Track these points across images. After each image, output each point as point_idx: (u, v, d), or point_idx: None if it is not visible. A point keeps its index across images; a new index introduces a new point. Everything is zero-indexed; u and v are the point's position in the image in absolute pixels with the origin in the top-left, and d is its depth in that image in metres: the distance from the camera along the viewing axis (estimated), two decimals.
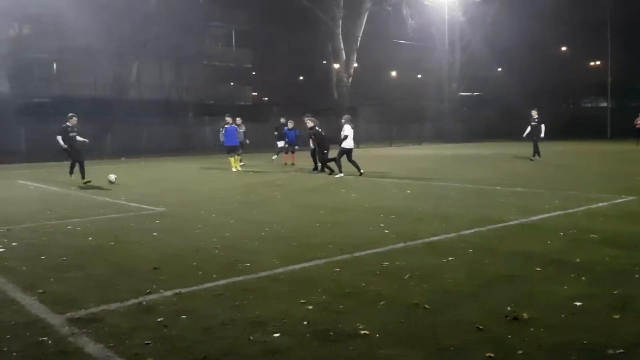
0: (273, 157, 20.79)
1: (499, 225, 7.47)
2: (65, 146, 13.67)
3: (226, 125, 17.38)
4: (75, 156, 13.96)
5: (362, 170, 14.53)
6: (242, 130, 18.81)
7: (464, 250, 6.02)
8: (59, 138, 13.68)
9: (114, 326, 3.87)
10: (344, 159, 14.86)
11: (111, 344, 3.56)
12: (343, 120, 15.17)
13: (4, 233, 7.35)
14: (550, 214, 8.23)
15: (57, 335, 3.73)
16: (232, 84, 41.87)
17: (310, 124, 15.12)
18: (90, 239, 6.95)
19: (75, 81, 32.10)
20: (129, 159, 25.84)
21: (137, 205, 9.90)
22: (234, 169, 17.03)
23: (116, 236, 7.05)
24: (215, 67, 40.33)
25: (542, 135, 19.77)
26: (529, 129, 19.91)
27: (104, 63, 31.65)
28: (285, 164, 19.43)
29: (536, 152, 19.61)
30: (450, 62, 43.83)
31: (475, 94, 49.14)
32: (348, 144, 14.64)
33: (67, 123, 13.99)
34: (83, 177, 13.58)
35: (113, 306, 4.30)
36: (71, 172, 14.26)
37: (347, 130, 14.67)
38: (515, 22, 38.46)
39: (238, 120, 18.75)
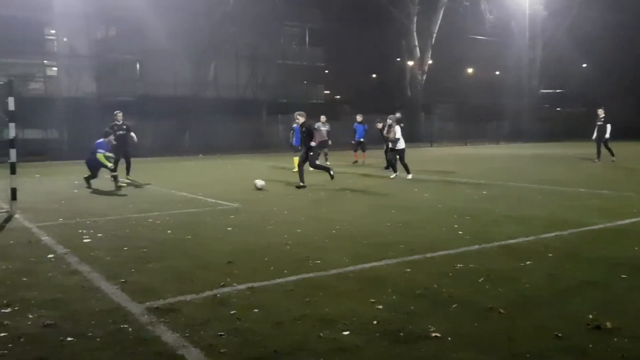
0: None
1: (581, 229, 7.10)
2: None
3: (294, 125, 17.60)
4: (121, 153, 13.82)
5: (410, 174, 13.83)
6: (326, 129, 18.62)
7: (543, 254, 5.77)
8: (111, 138, 13.41)
9: (190, 317, 4.01)
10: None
11: (187, 334, 3.68)
12: (389, 121, 14.29)
13: (90, 225, 7.79)
14: (638, 219, 7.73)
15: (137, 323, 3.91)
16: (304, 82, 42.29)
17: (301, 119, 13.29)
18: (169, 232, 7.23)
19: (156, 81, 33.47)
20: (205, 155, 26.70)
21: (213, 200, 10.20)
22: (294, 170, 16.94)
23: (193, 230, 7.30)
24: (289, 66, 40.87)
25: (607, 135, 18.65)
26: (596, 129, 18.81)
27: (183, 63, 32.84)
28: (356, 161, 19.36)
29: (599, 153, 18.65)
30: (531, 58, 42.19)
31: (557, 91, 46.98)
32: (401, 145, 14.08)
33: (115, 121, 13.95)
34: (128, 173, 13.94)
35: (189, 297, 4.45)
36: (128, 171, 14.22)
37: (398, 132, 14.03)
38: (601, 14, 36.44)
39: (322, 118, 18.71)
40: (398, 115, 14.84)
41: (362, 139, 19.53)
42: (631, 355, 3.30)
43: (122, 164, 13.73)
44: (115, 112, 14.23)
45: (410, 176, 13.77)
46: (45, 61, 33.46)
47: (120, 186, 12.23)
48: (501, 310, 4.07)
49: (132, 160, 14.48)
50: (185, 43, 31.15)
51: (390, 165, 14.45)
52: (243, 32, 34.21)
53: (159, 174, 15.03)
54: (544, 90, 44.38)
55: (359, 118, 19.70)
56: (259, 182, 11.86)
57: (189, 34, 30.72)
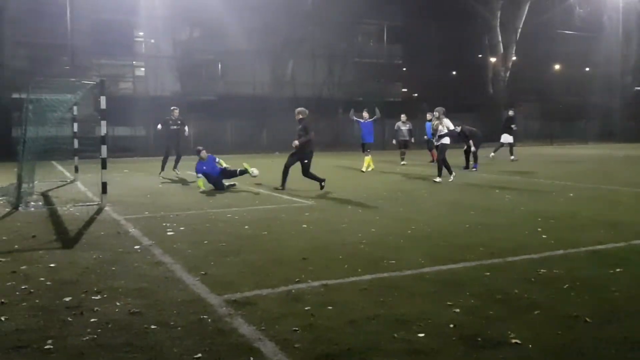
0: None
1: None
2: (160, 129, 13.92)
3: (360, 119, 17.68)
4: (169, 148, 14.12)
5: (453, 174, 12.97)
6: (407, 128, 18.58)
7: (635, 261, 5.41)
8: (159, 127, 14.30)
9: (266, 311, 4.08)
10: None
11: (263, 327, 3.75)
12: (436, 114, 13.20)
13: (173, 218, 8.12)
14: None
15: (216, 314, 4.03)
16: (381, 80, 42.00)
17: (299, 116, 12.13)
18: (246, 227, 7.41)
19: (236, 80, 34.43)
20: (282, 153, 27.12)
21: (288, 197, 10.35)
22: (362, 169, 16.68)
23: (269, 226, 7.43)
24: (366, 64, 40.73)
25: None
26: None
27: (262, 62, 33.54)
28: (432, 161, 18.96)
29: None
30: (624, 54, 39.64)
31: None
32: (447, 140, 12.89)
33: (171, 116, 14.24)
34: (162, 169, 14.04)
35: (265, 292, 4.54)
36: (175, 166, 14.24)
37: (451, 125, 12.96)
38: None
39: (403, 117, 18.76)
40: (443, 108, 13.50)
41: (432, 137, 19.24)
42: None
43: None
44: (172, 108, 14.67)
45: (439, 179, 12.66)
46: (134, 62, 35.31)
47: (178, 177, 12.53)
48: (587, 319, 3.85)
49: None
50: (264, 43, 31.81)
51: (444, 166, 13.03)
52: (320, 31, 34.45)
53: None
54: (638, 88, 41.57)
55: (429, 116, 19.39)
56: (255, 171, 11.81)
57: (267, 33, 31.34)
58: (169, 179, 13.67)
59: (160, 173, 13.98)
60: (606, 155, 23.01)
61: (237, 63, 34.25)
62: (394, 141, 20.59)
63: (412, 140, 18.77)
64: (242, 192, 11.31)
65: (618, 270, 5.08)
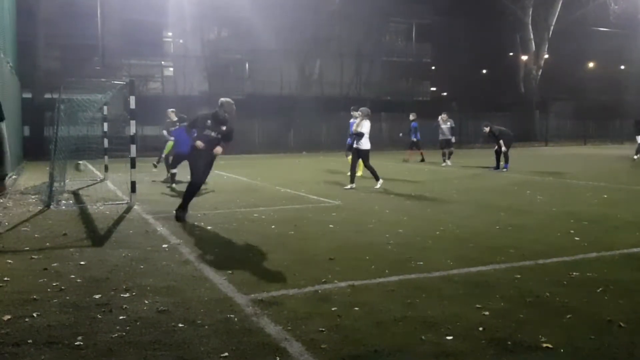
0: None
1: None
2: (172, 139, 12.80)
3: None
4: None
5: (380, 183, 11.49)
6: (447, 127, 18.23)
7: None
8: (164, 132, 13.36)
9: (292, 310, 4.07)
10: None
11: (289, 327, 3.74)
12: (359, 113, 11.82)
13: (201, 217, 8.18)
14: None
15: (242, 313, 4.03)
16: (410, 79, 41.70)
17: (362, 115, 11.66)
18: (273, 227, 7.42)
19: (263, 80, 34.61)
20: (309, 153, 27.16)
21: (315, 197, 10.33)
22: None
23: (296, 226, 7.43)
24: (394, 62, 40.50)
25: None
26: None
27: (289, 62, 33.62)
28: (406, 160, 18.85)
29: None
30: None
31: None
32: (365, 144, 11.50)
33: (172, 118, 13.49)
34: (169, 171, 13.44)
35: (291, 291, 4.52)
36: (174, 166, 13.08)
37: (367, 126, 11.50)
38: None
39: (444, 115, 18.44)
40: (367, 109, 11.92)
41: (416, 139, 19.54)
42: None
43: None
44: (170, 110, 13.88)
45: (379, 184, 11.46)
46: (162, 62, 35.77)
47: (172, 187, 11.79)
48: (621, 324, 3.74)
49: (239, 156, 14.92)
50: (291, 42, 31.86)
51: (371, 171, 11.71)
52: (348, 30, 34.37)
53: (264, 171, 15.47)
54: None
55: (412, 117, 19.68)
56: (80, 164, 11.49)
57: (295, 33, 31.39)
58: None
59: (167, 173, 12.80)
60: None
61: (264, 62, 34.41)
62: (400, 134, 20.77)
63: (454, 139, 18.42)
64: (268, 191, 11.34)
65: None
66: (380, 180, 11.58)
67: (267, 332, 3.68)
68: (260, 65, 35.44)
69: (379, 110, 34.97)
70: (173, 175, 12.11)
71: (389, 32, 42.03)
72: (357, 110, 12.27)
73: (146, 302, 4.29)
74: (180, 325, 3.80)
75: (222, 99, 8.17)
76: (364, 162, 11.74)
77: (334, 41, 34.35)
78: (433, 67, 46.20)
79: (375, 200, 9.80)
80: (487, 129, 15.95)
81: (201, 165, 7.93)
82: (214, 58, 34.27)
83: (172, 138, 12.53)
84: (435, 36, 42.62)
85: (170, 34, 36.12)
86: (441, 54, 43.66)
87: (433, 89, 45.77)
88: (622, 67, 44.80)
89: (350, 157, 12.41)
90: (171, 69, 36.69)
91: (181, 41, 35.55)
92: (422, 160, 19.55)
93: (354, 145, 11.69)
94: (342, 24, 33.91)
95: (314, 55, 34.15)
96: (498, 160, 16.00)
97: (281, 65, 33.34)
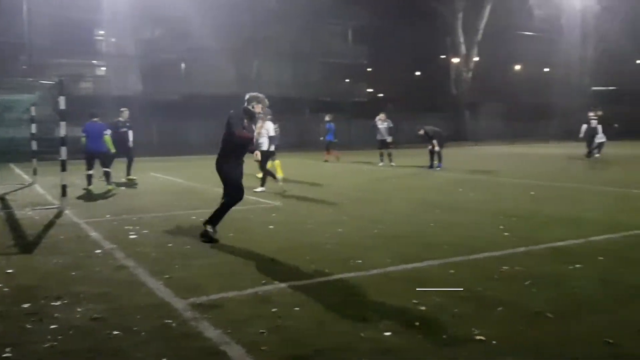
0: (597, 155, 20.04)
1: (634, 232, 6.82)
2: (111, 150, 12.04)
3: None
4: (126, 152, 13.37)
5: (261, 189, 11.10)
6: (386, 126, 18.19)
7: (594, 257, 5.56)
8: (108, 132, 12.11)
9: (232, 313, 4.04)
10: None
11: (229, 331, 3.71)
12: (261, 115, 10.77)
13: (136, 221, 7.97)
14: None
15: (181, 318, 3.96)
16: (347, 80, 42.21)
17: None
18: None
19: (200, 80, 34.07)
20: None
21: (255, 198, 10.28)
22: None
23: (236, 227, 7.36)
24: (332, 64, 40.87)
25: (599, 134, 19.96)
26: (584, 127, 20.16)
27: (227, 62, 33.26)
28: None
29: (590, 151, 19.77)
30: (582, 55, 40.86)
31: (610, 88, 45.32)
32: (265, 145, 11.13)
33: (119, 118, 13.40)
34: (128, 174, 13.49)
35: (231, 294, 4.49)
36: (128, 172, 13.60)
37: (270, 128, 11.28)
38: None
39: (382, 115, 18.47)
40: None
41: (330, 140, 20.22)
42: None
43: (119, 163, 13.26)
44: (121, 109, 13.81)
45: (260, 189, 11.06)
46: (94, 61, 34.54)
47: (110, 188, 11.50)
48: (549, 315, 3.94)
49: (178, 158, 14.65)
50: (229, 42, 31.54)
51: (269, 173, 11.32)
52: (286, 30, 34.39)
53: (202, 172, 15.19)
54: (595, 88, 42.89)
55: (327, 118, 20.35)
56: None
57: (232, 32, 31.10)
58: (123, 183, 13.38)
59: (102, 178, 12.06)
60: (566, 154, 23.62)
61: (200, 62, 33.90)
62: (321, 138, 21.22)
63: (389, 139, 18.32)
64: (207, 193, 11.18)
65: (578, 266, 5.22)
66: (264, 188, 10.99)
67: (207, 336, 3.64)
68: (197, 65, 34.88)
69: (318, 110, 35.22)
70: (107, 174, 11.69)
71: (326, 33, 42.36)
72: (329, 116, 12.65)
73: (79, 310, 4.14)
74: (115, 332, 3.70)
75: (253, 93, 7.34)
76: (261, 162, 10.57)
77: (272, 41, 34.28)
78: (369, 69, 46.96)
79: (315, 201, 9.86)
80: (421, 132, 16.37)
81: (240, 175, 6.90)
82: (148, 57, 33.43)
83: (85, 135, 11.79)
84: (372, 38, 43.36)
85: (102, 32, 34.89)
86: (377, 55, 44.48)
87: (370, 90, 46.51)
88: (547, 69, 47.15)
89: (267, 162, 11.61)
90: (103, 68, 35.49)
91: (114, 40, 34.42)
92: (326, 161, 20.10)
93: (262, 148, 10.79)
94: (279, 24, 33.88)
95: (251, 55, 33.97)
96: (432, 160, 16.47)
97: (218, 65, 32.92)
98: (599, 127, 19.95)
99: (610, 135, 21.88)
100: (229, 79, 33.78)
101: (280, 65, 36.19)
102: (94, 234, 7.02)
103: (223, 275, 5.05)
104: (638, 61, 45.15)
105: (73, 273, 5.16)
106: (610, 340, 3.46)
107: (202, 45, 31.26)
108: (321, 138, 22.43)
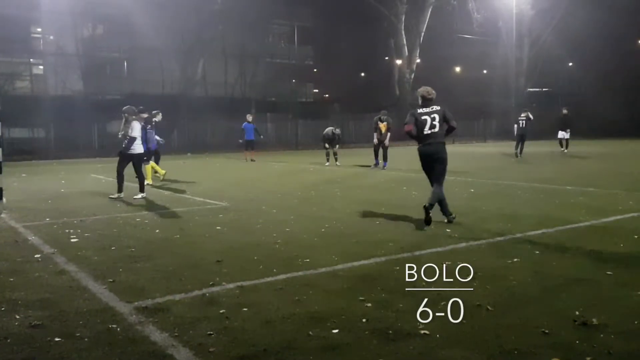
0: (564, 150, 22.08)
1: (568, 226, 7.17)
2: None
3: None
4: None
5: (141, 195, 10.33)
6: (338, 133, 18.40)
7: (530, 251, 5.82)
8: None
9: (179, 316, 3.99)
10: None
11: (176, 334, 3.67)
12: (127, 115, 10.60)
13: (77, 224, 7.73)
14: (624, 216, 7.83)
15: (125, 323, 3.89)
16: (293, 81, 42.28)
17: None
18: (157, 231, 7.20)
19: (144, 79, 33.30)
20: (194, 154, 26.60)
21: (201, 199, 10.17)
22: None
23: (182, 229, 7.27)
24: (278, 64, 40.84)
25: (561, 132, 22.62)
26: (515, 127, 21.42)
27: (171, 61, 32.67)
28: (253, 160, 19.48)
29: (522, 150, 20.93)
30: (518, 57, 42.45)
31: (544, 89, 47.31)
32: (139, 148, 10.45)
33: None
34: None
35: (178, 297, 4.44)
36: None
37: (137, 130, 10.40)
38: (588, 14, 36.77)
39: (249, 117, 20.03)
40: (131, 107, 10.93)
41: (252, 139, 20.83)
42: (617, 351, 3.34)
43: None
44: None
45: (140, 196, 10.29)
46: (31, 60, 33.16)
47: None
48: (489, 308, 4.10)
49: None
50: (173, 41, 31.00)
51: (119, 180, 10.51)
52: (231, 30, 34.10)
53: (146, 173, 14.85)
54: (530, 89, 44.67)
55: (249, 118, 20.91)
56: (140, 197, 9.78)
57: (176, 31, 30.58)
58: (72, 184, 12.95)
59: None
60: (503, 153, 24.49)
61: (144, 61, 33.14)
62: (240, 140, 21.62)
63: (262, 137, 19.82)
64: (152, 195, 10.96)
65: (515, 260, 5.45)
66: (144, 194, 10.34)
67: (153, 340, 3.59)
68: (140, 64, 34.08)
69: (264, 111, 35.12)
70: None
71: (272, 33, 42.30)
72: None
73: (17, 317, 4.00)
74: (56, 339, 3.59)
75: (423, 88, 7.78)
76: (135, 166, 10.40)
77: (218, 41, 33.91)
78: (315, 70, 47.19)
79: (263, 201, 9.85)
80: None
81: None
82: (89, 56, 32.38)
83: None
84: (317, 39, 43.63)
85: (39, 29, 33.54)
86: (323, 56, 44.78)
87: (316, 90, 46.76)
88: (485, 71, 48.73)
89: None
90: (41, 67, 34.11)
91: (52, 38, 33.14)
92: (253, 160, 20.48)
93: (128, 151, 10.33)
94: (225, 24, 33.57)
95: (196, 54, 33.46)
96: (377, 157, 16.76)
97: (162, 65, 32.28)
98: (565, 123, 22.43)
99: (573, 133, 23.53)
100: (173, 79, 33.20)
101: (227, 65, 35.84)
102: (32, 238, 6.77)
103: (168, 277, 4.98)
104: (570, 64, 47.39)
105: (11, 279, 4.97)
106: (546, 331, 3.64)
107: (146, 44, 30.58)
108: (261, 137, 22.53)
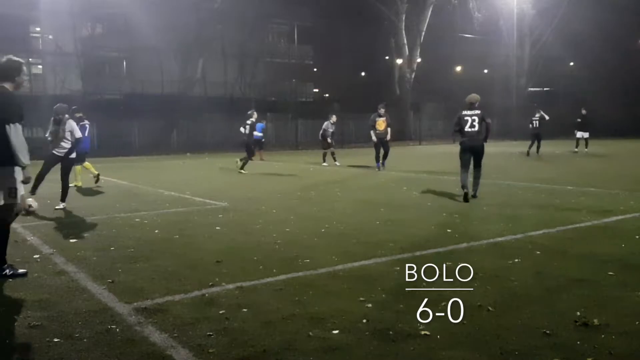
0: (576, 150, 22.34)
1: (569, 226, 7.15)
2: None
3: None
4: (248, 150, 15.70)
5: (62, 205, 9.14)
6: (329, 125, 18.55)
7: (531, 252, 5.80)
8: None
9: (178, 317, 3.98)
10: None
11: (175, 334, 3.65)
12: (63, 116, 9.42)
13: (77, 224, 7.72)
14: (625, 216, 7.80)
15: (125, 323, 3.87)
16: (293, 80, 42.27)
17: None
18: (156, 231, 7.18)
19: (143, 78, 33.29)
20: (193, 154, 26.58)
21: (201, 199, 10.15)
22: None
23: (181, 229, 7.25)
24: (278, 64, 40.79)
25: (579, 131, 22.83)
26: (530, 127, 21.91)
27: (171, 61, 32.64)
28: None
29: (538, 149, 21.31)
30: (519, 57, 42.42)
31: (545, 89, 47.29)
32: (73, 151, 9.34)
33: (252, 118, 15.67)
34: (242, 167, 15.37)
35: (177, 297, 4.42)
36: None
37: (78, 130, 9.41)
38: (590, 13, 36.76)
39: (333, 117, 18.99)
40: (63, 106, 9.78)
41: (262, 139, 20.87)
42: (618, 351, 3.32)
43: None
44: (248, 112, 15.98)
45: (62, 205, 9.14)
46: (30, 59, 33.11)
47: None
48: (490, 308, 4.08)
49: (120, 159, 14.29)
50: (173, 40, 30.97)
51: (64, 187, 9.28)
52: (231, 30, 34.07)
53: (146, 173, 14.92)
54: (531, 89, 44.66)
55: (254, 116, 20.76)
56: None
57: (176, 31, 30.55)
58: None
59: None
60: (504, 152, 24.50)
61: (143, 61, 33.12)
62: (262, 139, 21.50)
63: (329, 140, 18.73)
64: (151, 195, 10.95)
65: (516, 260, 5.43)
66: (65, 204, 9.18)
67: (152, 340, 3.57)
68: (139, 63, 34.05)
69: (265, 110, 35.09)
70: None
71: (271, 33, 42.25)
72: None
73: (16, 317, 3.98)
74: (56, 340, 3.57)
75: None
76: (65, 172, 9.28)
77: (217, 41, 33.88)
78: (315, 69, 47.17)
79: (262, 201, 9.83)
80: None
81: None
82: (88, 55, 32.34)
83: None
84: (317, 38, 43.59)
85: (38, 29, 33.50)
86: (323, 56, 44.75)
87: (316, 90, 46.75)
88: (486, 71, 48.71)
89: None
90: (40, 66, 34.08)
91: (51, 37, 33.10)
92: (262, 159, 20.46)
93: (70, 155, 9.31)
94: (224, 23, 33.54)
95: (196, 54, 33.45)
96: (378, 159, 16.69)
97: (162, 64, 32.25)
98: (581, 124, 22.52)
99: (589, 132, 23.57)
100: (173, 78, 33.17)
101: (226, 64, 35.81)
102: (31, 239, 6.75)
103: (168, 278, 4.96)
104: (572, 63, 47.38)
105: (9, 279, 4.95)
106: (548, 331, 3.62)
107: (145, 43, 30.55)
108: (263, 139, 22.43)
